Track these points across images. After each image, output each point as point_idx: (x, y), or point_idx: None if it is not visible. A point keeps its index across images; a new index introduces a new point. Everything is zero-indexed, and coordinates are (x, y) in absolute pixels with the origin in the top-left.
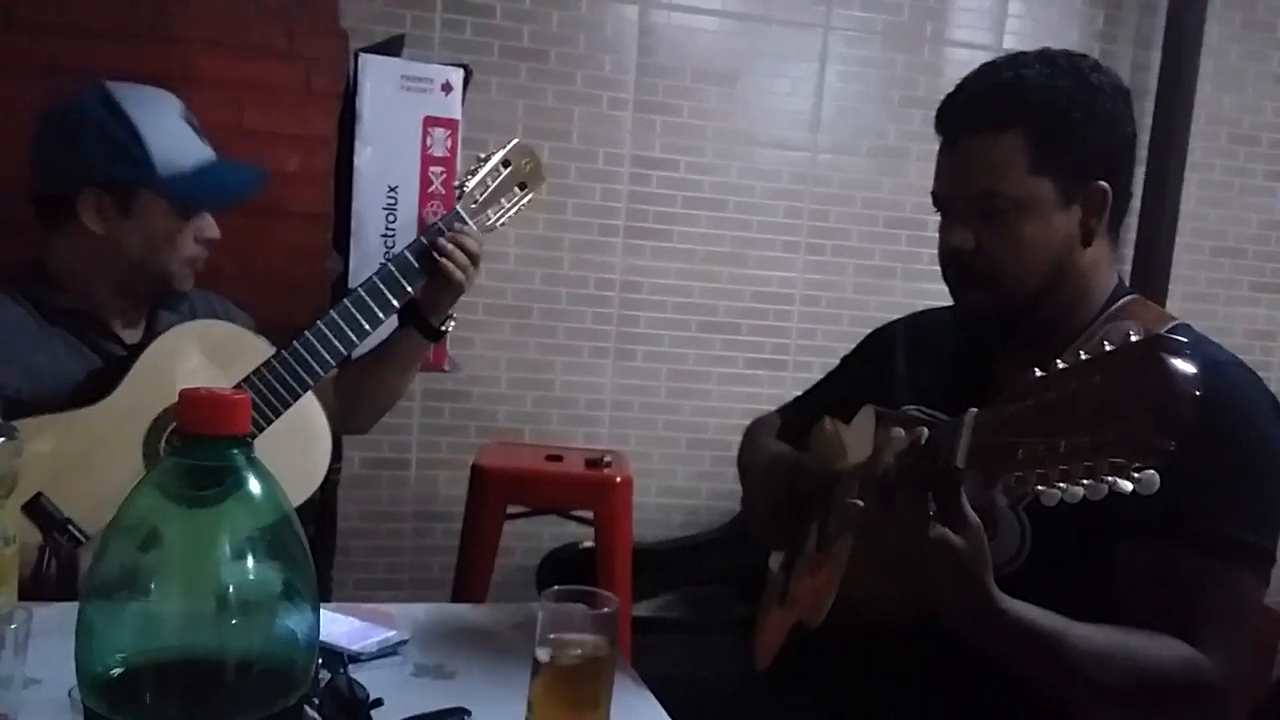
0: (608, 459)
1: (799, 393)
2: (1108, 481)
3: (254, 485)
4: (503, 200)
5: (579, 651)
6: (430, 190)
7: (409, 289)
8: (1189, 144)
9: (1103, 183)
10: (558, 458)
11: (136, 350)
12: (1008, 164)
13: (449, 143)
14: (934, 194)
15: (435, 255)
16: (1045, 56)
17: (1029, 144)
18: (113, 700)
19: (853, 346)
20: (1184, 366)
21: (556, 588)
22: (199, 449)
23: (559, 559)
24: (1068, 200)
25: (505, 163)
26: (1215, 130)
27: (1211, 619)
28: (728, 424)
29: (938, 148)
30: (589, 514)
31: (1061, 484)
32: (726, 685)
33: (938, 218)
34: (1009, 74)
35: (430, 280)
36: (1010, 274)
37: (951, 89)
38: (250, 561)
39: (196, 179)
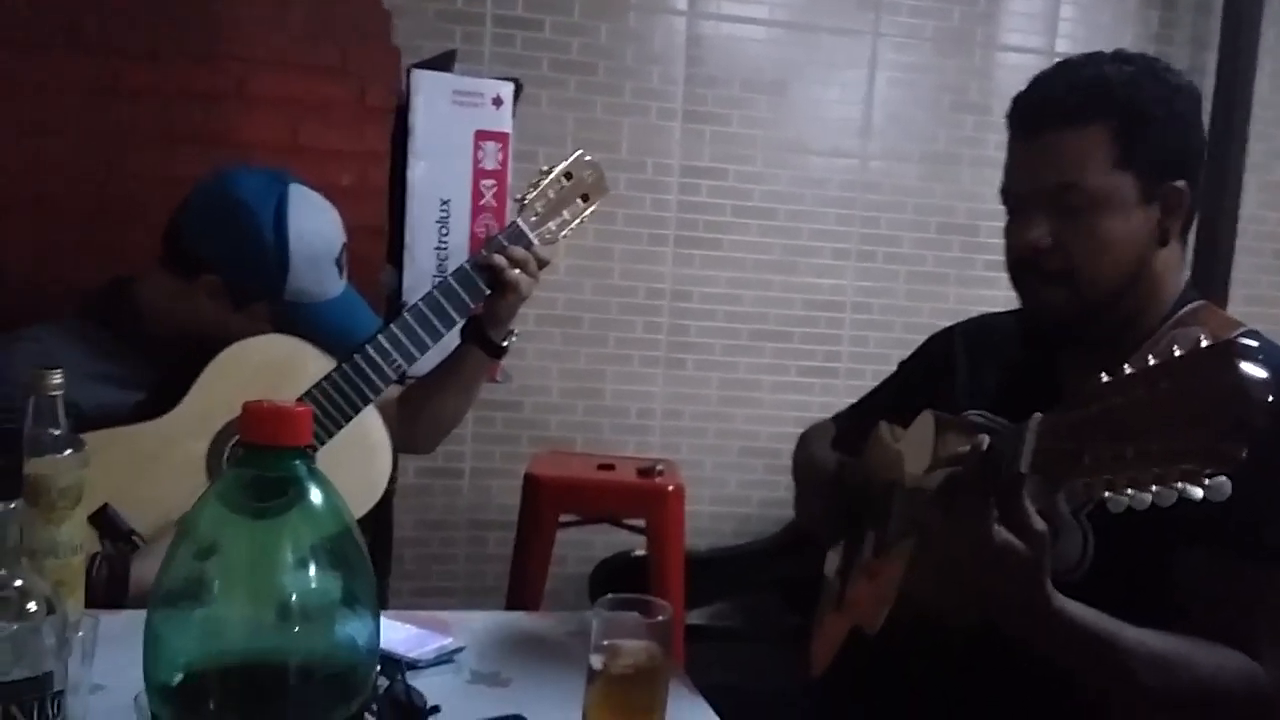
0: (660, 468)
1: (851, 400)
2: (1177, 488)
3: (315, 496)
4: (565, 212)
5: (633, 659)
6: (482, 203)
7: (470, 303)
8: (1248, 146)
9: (1180, 182)
10: (610, 467)
11: (200, 364)
12: (1091, 157)
13: (500, 156)
14: (1005, 190)
15: (498, 265)
16: (1122, 56)
17: (1113, 138)
18: (178, 707)
19: (906, 353)
20: (1257, 372)
21: (610, 596)
22: (262, 460)
23: (612, 567)
24: (1148, 198)
25: (568, 174)
26: (1274, 132)
27: (1270, 631)
28: (779, 432)
29: (1008, 144)
30: (641, 522)
31: (1130, 490)
32: (781, 693)
33: (990, 223)
34: (1089, 71)
35: (490, 294)
36: (1089, 271)
37: (1024, 86)
38: (312, 571)
39: (311, 309)
